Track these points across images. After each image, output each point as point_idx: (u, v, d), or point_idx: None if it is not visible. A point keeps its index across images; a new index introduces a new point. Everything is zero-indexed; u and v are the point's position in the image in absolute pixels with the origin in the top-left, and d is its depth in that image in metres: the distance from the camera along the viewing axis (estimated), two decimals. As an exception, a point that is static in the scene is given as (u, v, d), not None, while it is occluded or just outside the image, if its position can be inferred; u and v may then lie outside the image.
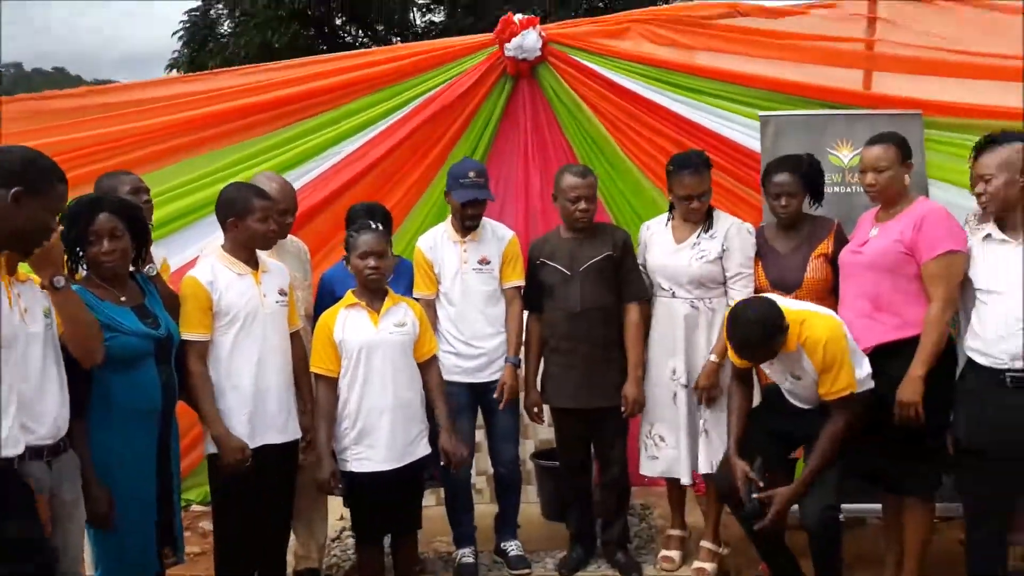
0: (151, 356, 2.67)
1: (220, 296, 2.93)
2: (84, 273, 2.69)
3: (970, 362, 2.87)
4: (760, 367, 3.16)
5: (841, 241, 3.31)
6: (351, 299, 3.15)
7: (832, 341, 2.85)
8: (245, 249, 3.02)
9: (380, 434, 3.10)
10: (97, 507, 2.50)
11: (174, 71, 13.79)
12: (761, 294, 3.20)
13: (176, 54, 13.32)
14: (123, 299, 2.69)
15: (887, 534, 3.29)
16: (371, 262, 3.07)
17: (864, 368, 2.98)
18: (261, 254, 3.10)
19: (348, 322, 3.12)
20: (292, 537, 3.37)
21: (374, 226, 3.17)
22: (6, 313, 2.15)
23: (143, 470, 2.68)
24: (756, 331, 2.84)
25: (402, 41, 12.50)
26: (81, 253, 2.65)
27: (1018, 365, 2.70)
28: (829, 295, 3.29)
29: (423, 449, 3.21)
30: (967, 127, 3.98)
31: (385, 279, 3.18)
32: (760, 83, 4.26)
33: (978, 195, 2.83)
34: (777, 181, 3.35)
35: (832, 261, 3.28)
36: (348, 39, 13.14)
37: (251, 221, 2.97)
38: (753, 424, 3.12)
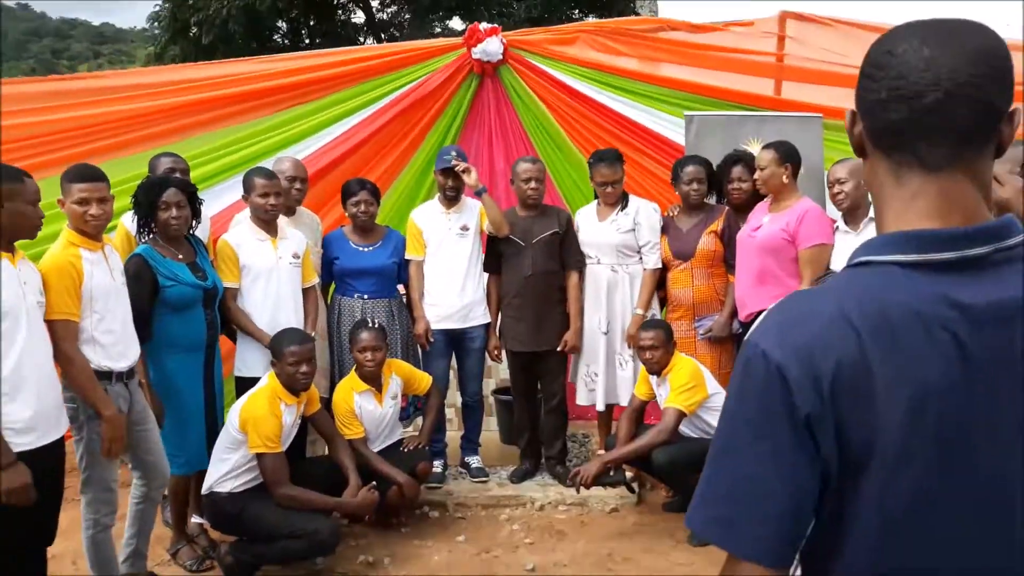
0: (200, 302, 3.45)
1: (244, 255, 3.71)
2: (149, 238, 3.41)
3: None
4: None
5: (730, 222, 4.11)
6: (360, 385, 3.94)
7: (689, 374, 3.78)
8: (260, 220, 3.77)
9: None
10: (155, 411, 3.27)
11: (155, 23, 14.10)
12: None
13: (158, 6, 13.52)
14: (180, 256, 3.44)
15: None
16: (368, 355, 3.86)
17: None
18: (282, 225, 3.85)
19: (362, 403, 3.94)
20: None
21: (371, 324, 3.95)
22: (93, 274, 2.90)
23: (193, 388, 3.48)
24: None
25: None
26: (151, 220, 3.37)
27: None
28: (719, 264, 4.14)
29: None
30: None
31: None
32: (686, 87, 5.01)
33: (834, 195, 3.63)
34: (689, 170, 4.18)
35: (721, 237, 4.10)
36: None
37: (254, 196, 3.74)
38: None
